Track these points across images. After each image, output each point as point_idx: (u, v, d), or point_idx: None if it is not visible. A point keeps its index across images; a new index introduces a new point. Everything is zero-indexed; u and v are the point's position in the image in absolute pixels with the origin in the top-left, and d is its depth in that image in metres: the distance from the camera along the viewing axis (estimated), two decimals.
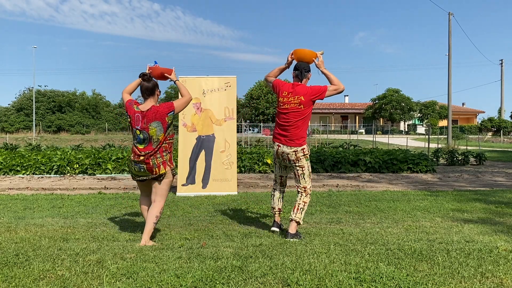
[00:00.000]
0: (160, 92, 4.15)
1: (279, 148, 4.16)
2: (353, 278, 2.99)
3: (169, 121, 3.98)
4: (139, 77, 4.07)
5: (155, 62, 4.26)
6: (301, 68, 4.18)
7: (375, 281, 2.93)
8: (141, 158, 3.92)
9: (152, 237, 4.13)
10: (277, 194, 4.45)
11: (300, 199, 4.19)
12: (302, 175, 4.18)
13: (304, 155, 4.14)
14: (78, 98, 53.46)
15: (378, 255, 3.56)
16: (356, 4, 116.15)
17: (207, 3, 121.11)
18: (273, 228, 4.36)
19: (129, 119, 4.00)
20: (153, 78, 4.13)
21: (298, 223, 4.11)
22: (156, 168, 3.94)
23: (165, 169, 3.99)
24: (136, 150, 3.98)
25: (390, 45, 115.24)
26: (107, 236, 4.21)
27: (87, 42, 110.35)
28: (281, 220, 4.54)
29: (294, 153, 4.11)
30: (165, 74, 4.17)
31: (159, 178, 4.01)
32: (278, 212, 4.41)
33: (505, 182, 9.28)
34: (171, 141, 4.09)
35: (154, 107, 3.95)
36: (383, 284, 2.88)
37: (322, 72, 4.25)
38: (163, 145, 4.00)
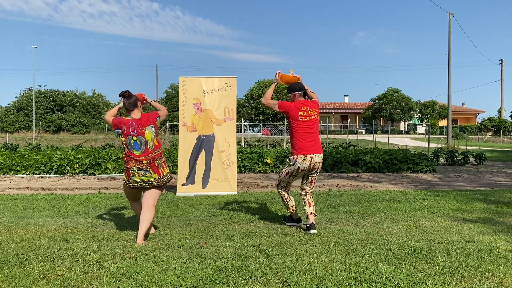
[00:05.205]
0: (141, 103, 4.47)
1: (313, 159, 4.50)
2: (353, 278, 2.99)
3: (158, 125, 4.38)
4: (120, 96, 4.37)
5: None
6: (303, 89, 4.75)
7: (375, 281, 2.93)
8: (144, 162, 4.14)
9: (146, 235, 4.15)
10: (288, 194, 4.81)
11: (311, 198, 4.69)
12: (315, 180, 4.72)
13: None
14: (78, 98, 53.48)
15: (378, 255, 3.56)
16: (355, 3, 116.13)
17: (206, 3, 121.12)
18: (299, 224, 4.75)
19: (120, 132, 4.20)
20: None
21: (315, 215, 4.66)
22: (161, 168, 4.26)
23: (167, 167, 4.34)
24: (133, 158, 4.16)
25: (390, 45, 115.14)
26: (107, 236, 4.21)
27: (86, 42, 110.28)
28: None
29: (322, 160, 4.64)
30: (139, 99, 4.50)
31: (161, 182, 4.25)
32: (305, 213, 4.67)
33: (505, 182, 9.28)
34: (162, 149, 4.40)
35: (144, 114, 4.35)
36: (383, 284, 2.88)
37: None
38: (160, 150, 4.29)
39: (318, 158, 4.53)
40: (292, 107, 4.59)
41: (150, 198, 4.23)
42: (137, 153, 4.17)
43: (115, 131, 4.25)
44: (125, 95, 4.36)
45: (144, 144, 4.19)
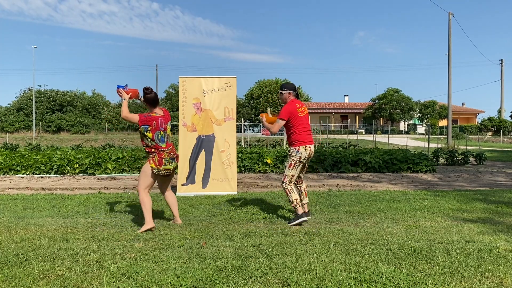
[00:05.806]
0: (137, 99, 4.81)
1: (310, 149, 4.95)
2: (353, 278, 2.99)
3: None
4: (143, 91, 4.63)
5: (126, 85, 4.77)
6: (296, 90, 5.17)
7: (375, 280, 2.94)
8: (172, 153, 4.65)
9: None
10: (296, 189, 5.07)
11: (304, 186, 5.18)
12: (306, 168, 5.12)
13: None
14: (78, 98, 53.48)
15: (378, 255, 3.56)
16: (355, 3, 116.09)
17: (206, 3, 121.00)
18: (306, 218, 4.88)
19: (149, 128, 4.47)
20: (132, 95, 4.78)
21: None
22: (178, 159, 4.80)
23: None
24: (164, 149, 4.57)
25: (390, 45, 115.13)
26: (107, 236, 4.21)
27: (86, 42, 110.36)
28: None
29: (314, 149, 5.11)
30: (133, 95, 4.83)
31: (176, 171, 4.83)
32: (302, 203, 5.04)
33: (505, 182, 9.28)
34: None
35: (165, 111, 4.71)
36: (383, 284, 2.88)
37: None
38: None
39: (312, 148, 5.01)
40: (291, 108, 4.92)
41: (167, 185, 4.86)
42: (163, 146, 4.58)
43: (141, 126, 4.49)
44: (147, 92, 4.59)
45: (166, 137, 4.63)
